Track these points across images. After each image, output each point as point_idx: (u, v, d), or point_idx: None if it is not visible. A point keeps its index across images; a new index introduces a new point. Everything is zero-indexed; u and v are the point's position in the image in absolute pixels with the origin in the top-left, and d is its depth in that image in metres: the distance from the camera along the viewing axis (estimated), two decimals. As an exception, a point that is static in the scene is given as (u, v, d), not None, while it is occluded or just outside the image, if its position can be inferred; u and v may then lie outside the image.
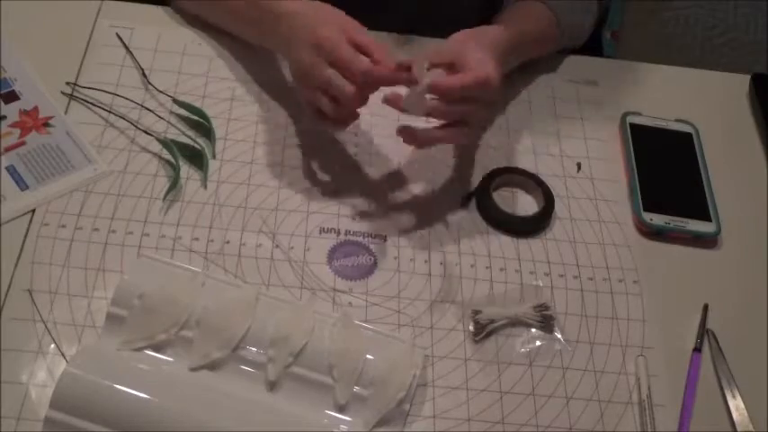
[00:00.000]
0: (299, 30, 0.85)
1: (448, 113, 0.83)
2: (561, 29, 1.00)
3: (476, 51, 0.84)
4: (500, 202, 0.91)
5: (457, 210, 0.91)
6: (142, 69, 0.95)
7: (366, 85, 0.82)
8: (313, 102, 0.85)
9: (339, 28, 0.84)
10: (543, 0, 0.99)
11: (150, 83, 0.94)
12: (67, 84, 0.93)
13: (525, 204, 0.92)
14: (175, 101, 0.94)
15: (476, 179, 0.93)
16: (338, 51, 0.82)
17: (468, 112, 0.83)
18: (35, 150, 0.87)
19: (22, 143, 0.87)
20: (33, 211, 0.83)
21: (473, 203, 0.91)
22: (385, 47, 0.84)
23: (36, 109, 0.90)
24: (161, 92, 0.94)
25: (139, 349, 0.74)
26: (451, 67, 0.83)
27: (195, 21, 1.01)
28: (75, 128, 0.89)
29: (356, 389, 0.74)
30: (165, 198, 0.86)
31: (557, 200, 0.92)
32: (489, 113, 0.89)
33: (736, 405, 0.80)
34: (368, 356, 0.75)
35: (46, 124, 0.89)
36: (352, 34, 0.84)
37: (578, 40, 1.07)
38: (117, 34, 0.98)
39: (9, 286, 0.78)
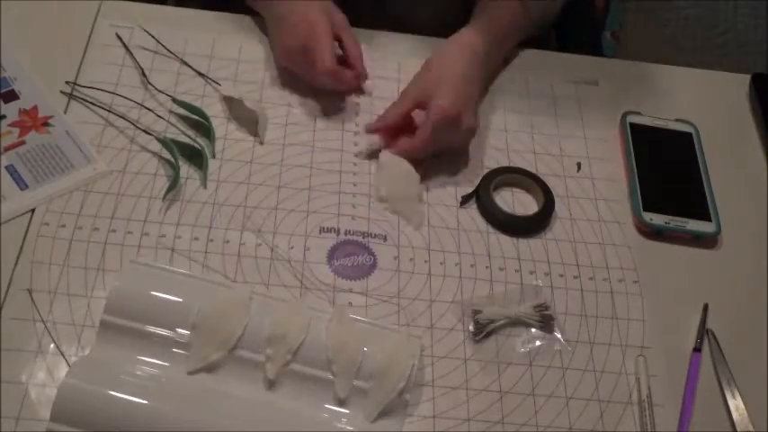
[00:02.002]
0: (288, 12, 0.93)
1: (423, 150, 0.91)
2: (532, 16, 1.02)
3: (435, 87, 0.89)
4: (500, 202, 0.91)
5: (457, 210, 0.91)
6: (142, 69, 0.95)
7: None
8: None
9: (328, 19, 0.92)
10: None
11: (150, 82, 0.94)
12: (67, 83, 0.92)
13: (525, 204, 0.92)
14: (175, 100, 0.94)
15: (476, 179, 0.93)
16: (320, 49, 0.90)
17: (439, 145, 0.91)
18: (34, 150, 0.87)
19: (22, 143, 0.87)
20: (33, 210, 0.83)
21: (473, 203, 0.91)
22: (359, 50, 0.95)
23: (35, 108, 0.90)
24: (160, 91, 0.94)
25: (136, 356, 0.74)
26: (420, 105, 0.90)
27: (195, 21, 1.01)
28: (74, 127, 0.89)
29: (356, 382, 0.74)
30: (164, 198, 0.86)
31: (557, 200, 0.92)
32: (462, 138, 0.93)
33: (736, 405, 0.80)
34: (365, 349, 0.75)
35: (45, 124, 0.89)
36: (338, 29, 0.94)
37: (548, 23, 1.09)
38: (117, 34, 0.98)
39: (9, 286, 0.78)
